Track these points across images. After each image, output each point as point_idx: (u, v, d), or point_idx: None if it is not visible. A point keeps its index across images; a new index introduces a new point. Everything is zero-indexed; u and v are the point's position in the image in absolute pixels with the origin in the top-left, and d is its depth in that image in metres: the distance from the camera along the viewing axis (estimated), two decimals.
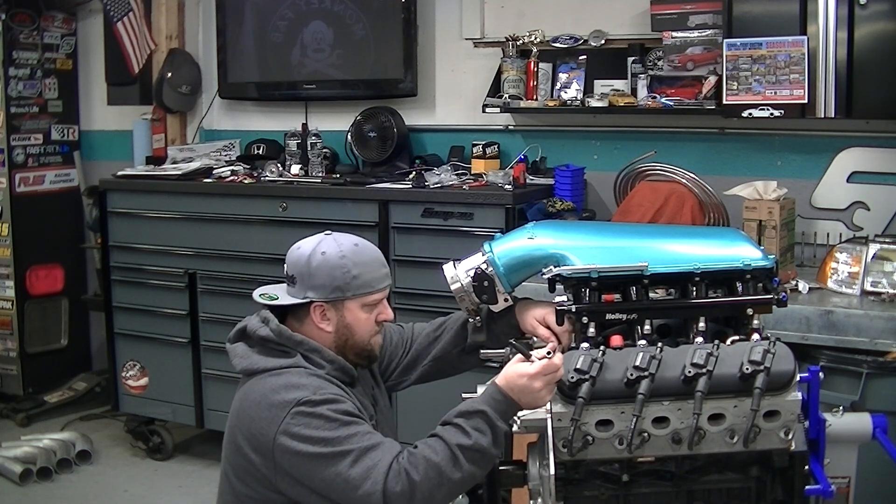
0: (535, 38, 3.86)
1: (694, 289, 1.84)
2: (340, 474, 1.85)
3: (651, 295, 1.86)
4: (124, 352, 4.36)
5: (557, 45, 3.86)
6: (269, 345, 2.04)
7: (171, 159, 4.47)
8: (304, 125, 4.31)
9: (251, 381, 2.02)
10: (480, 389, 1.96)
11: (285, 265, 2.09)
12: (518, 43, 3.89)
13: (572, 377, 1.69)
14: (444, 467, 1.82)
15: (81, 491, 4.06)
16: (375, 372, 2.26)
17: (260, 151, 4.40)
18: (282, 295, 2.09)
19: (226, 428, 2.07)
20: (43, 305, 5.00)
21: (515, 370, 1.81)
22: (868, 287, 2.92)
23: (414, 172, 3.86)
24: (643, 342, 1.79)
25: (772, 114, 3.21)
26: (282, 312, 2.11)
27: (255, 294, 2.12)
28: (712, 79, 3.43)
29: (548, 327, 2.04)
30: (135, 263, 4.25)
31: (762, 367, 1.65)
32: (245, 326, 2.09)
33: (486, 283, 2.01)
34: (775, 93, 3.19)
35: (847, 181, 3.46)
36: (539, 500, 1.84)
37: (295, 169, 4.09)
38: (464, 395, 1.99)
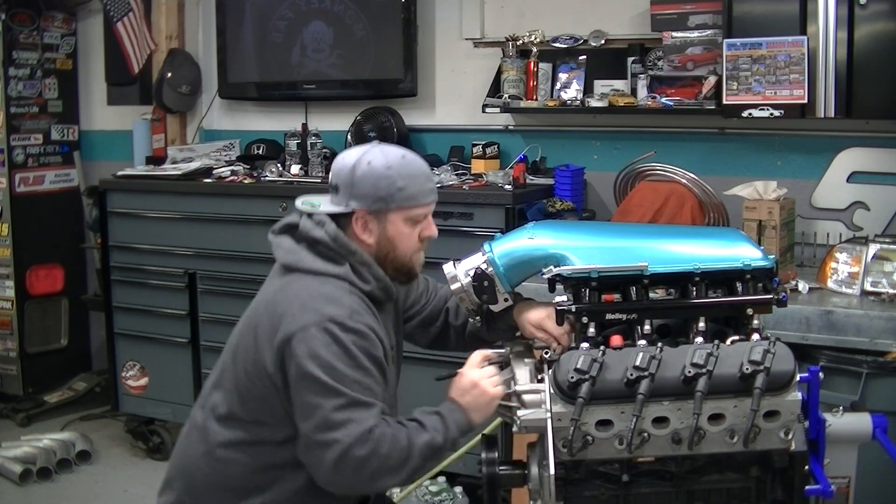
0: (535, 38, 3.86)
1: (694, 289, 1.84)
2: (322, 409, 1.85)
3: (651, 295, 1.86)
4: (124, 352, 4.36)
5: (557, 45, 3.86)
6: (321, 248, 1.99)
7: (171, 159, 4.47)
8: (304, 125, 4.31)
9: (291, 277, 1.99)
10: None
11: (330, 174, 2.05)
12: (518, 43, 3.89)
13: (572, 377, 1.69)
14: (405, 455, 1.87)
15: (81, 491, 4.05)
16: (399, 309, 2.24)
17: (260, 151, 4.40)
18: (324, 203, 2.05)
19: (247, 311, 2.05)
20: (43, 305, 4.99)
21: (458, 384, 1.96)
22: (868, 287, 2.92)
23: None
24: (643, 342, 1.79)
25: (772, 114, 3.21)
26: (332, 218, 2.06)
27: (298, 201, 2.07)
28: (712, 79, 3.43)
29: (545, 330, 2.04)
30: (135, 263, 4.25)
31: (762, 367, 1.65)
32: (295, 223, 2.04)
33: (486, 283, 2.01)
34: (775, 93, 3.19)
35: (847, 181, 3.46)
36: (539, 500, 1.84)
37: (295, 169, 4.09)
38: None
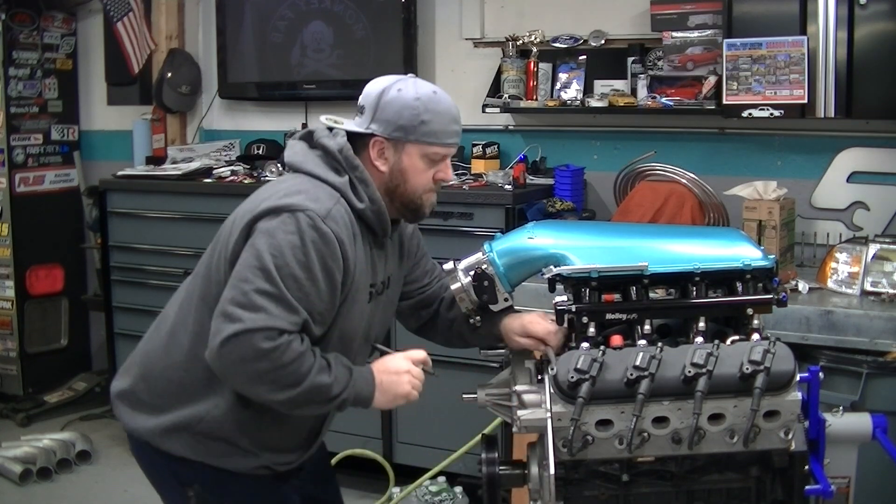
0: (535, 38, 3.86)
1: (694, 289, 1.84)
2: (248, 284, 1.80)
3: (651, 295, 1.86)
4: (124, 352, 4.34)
5: (557, 45, 3.86)
6: (327, 156, 1.97)
7: (171, 159, 4.47)
8: (304, 125, 4.31)
9: (292, 175, 1.99)
10: (480, 391, 1.96)
11: (360, 97, 2.01)
12: (518, 43, 3.89)
13: (572, 377, 1.69)
14: (297, 380, 1.82)
15: (81, 491, 4.06)
16: (405, 256, 2.21)
17: (260, 151, 4.39)
18: (347, 123, 2.02)
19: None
20: (43, 305, 4.99)
21: (387, 362, 1.97)
22: (868, 287, 2.92)
23: None
24: (643, 342, 1.79)
25: (772, 114, 3.21)
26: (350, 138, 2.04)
27: (322, 117, 2.06)
28: (712, 79, 3.43)
29: (531, 336, 2.03)
30: (135, 263, 4.25)
31: (762, 367, 1.65)
32: (313, 131, 2.03)
33: (486, 283, 2.01)
34: (775, 93, 3.19)
35: (847, 181, 3.46)
36: (539, 500, 1.84)
37: None
38: (464, 396, 1.99)
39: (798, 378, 1.71)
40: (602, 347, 1.74)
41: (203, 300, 1.96)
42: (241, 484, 2.02)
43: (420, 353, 2.00)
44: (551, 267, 1.90)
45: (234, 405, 1.94)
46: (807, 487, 1.75)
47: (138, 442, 2.04)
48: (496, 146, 3.98)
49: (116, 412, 2.09)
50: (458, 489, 3.56)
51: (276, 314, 1.79)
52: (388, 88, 1.96)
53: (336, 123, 2.02)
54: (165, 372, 2.00)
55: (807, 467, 1.75)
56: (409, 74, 2.04)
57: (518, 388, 1.86)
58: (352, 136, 1.99)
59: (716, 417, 1.69)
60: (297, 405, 1.87)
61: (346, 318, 1.95)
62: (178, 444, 1.97)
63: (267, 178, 4.03)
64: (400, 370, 1.96)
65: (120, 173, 4.36)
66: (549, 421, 1.71)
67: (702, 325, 1.81)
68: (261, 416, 1.95)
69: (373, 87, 1.99)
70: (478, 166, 3.92)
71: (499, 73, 3.95)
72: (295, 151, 2.02)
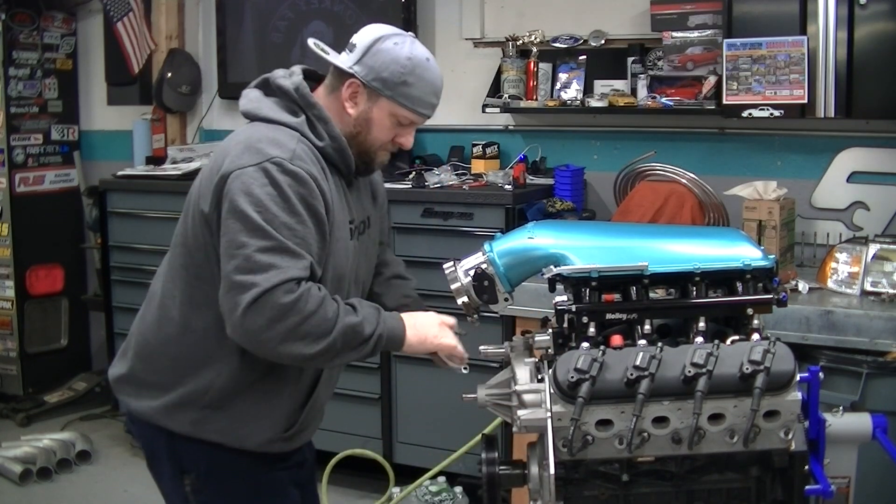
0: (535, 38, 3.86)
1: (694, 289, 1.84)
2: (247, 248, 1.77)
3: (651, 295, 1.86)
4: None
5: (557, 45, 3.86)
6: (283, 98, 1.97)
7: (170, 159, 4.47)
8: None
9: (247, 125, 1.97)
10: (480, 391, 1.96)
11: (355, 35, 2.02)
12: (518, 43, 3.89)
13: (572, 377, 1.69)
14: (328, 326, 1.80)
15: (81, 491, 4.06)
16: (377, 198, 2.22)
17: None
18: (333, 54, 2.01)
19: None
20: (43, 305, 5.00)
21: (420, 314, 2.02)
22: (868, 287, 2.92)
23: (414, 172, 3.86)
24: (643, 342, 1.79)
25: (772, 114, 3.21)
26: (318, 80, 2.05)
27: (311, 40, 2.05)
28: (712, 79, 3.43)
29: None
30: (135, 263, 4.25)
31: (762, 367, 1.65)
32: (268, 77, 2.02)
33: (486, 283, 2.00)
34: (775, 93, 3.19)
35: (847, 181, 3.46)
36: (539, 500, 1.83)
37: None
38: (464, 396, 1.99)
39: (798, 378, 1.71)
40: (602, 347, 1.74)
41: (185, 269, 1.94)
42: (239, 467, 2.00)
43: (451, 319, 2.04)
44: (551, 267, 1.89)
45: (237, 370, 1.92)
46: (807, 487, 1.75)
47: (142, 424, 2.02)
48: (496, 146, 3.99)
49: (119, 397, 2.08)
50: (458, 489, 3.56)
51: (285, 266, 1.77)
52: (386, 38, 1.97)
53: (323, 51, 2.02)
54: (161, 348, 1.98)
55: (807, 467, 1.74)
56: (410, 34, 2.03)
57: (518, 388, 1.86)
58: (333, 73, 2.01)
59: (716, 417, 1.69)
60: (335, 353, 1.83)
61: (334, 255, 1.94)
62: (183, 420, 1.96)
63: None
64: (436, 322, 2.02)
65: (120, 173, 4.36)
66: (549, 421, 1.71)
67: (702, 325, 1.81)
68: (264, 379, 1.94)
69: (371, 31, 1.99)
70: (478, 166, 3.92)
71: (499, 73, 3.95)
72: (249, 99, 2.01)
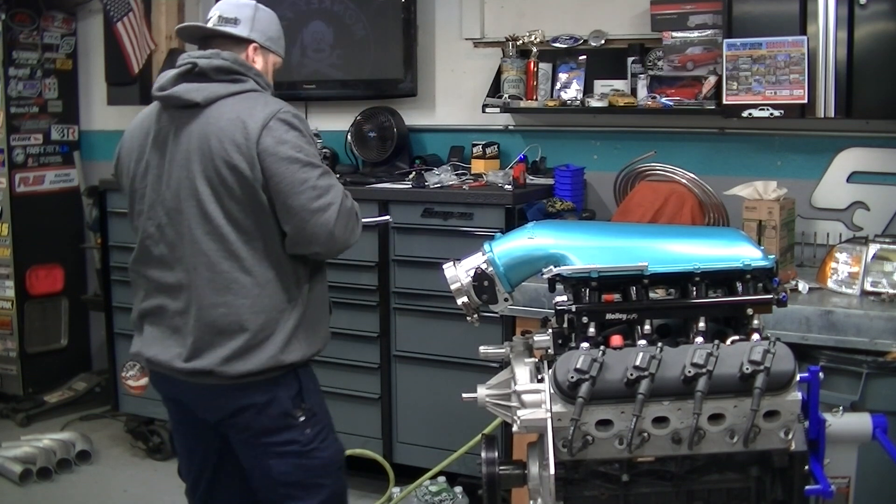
0: (535, 38, 3.86)
1: (694, 289, 1.84)
2: (309, 180, 2.21)
3: (651, 295, 1.86)
4: (124, 352, 4.36)
5: (557, 45, 3.86)
6: (223, 74, 2.29)
7: None
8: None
9: (212, 109, 2.25)
10: (480, 391, 1.96)
11: (218, 11, 2.40)
12: (518, 43, 3.89)
13: (572, 377, 1.69)
14: (357, 209, 2.37)
15: (81, 491, 4.06)
16: None
17: None
18: (230, 28, 2.38)
19: (193, 170, 2.25)
20: (43, 305, 4.99)
21: None
22: (868, 287, 2.92)
23: (414, 172, 3.86)
24: (643, 342, 1.79)
25: (772, 114, 3.21)
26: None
27: (211, 21, 2.40)
28: (712, 79, 3.43)
29: None
30: None
31: (762, 367, 1.65)
32: (189, 67, 2.29)
33: (486, 283, 2.01)
34: (775, 93, 3.19)
35: (847, 181, 3.46)
36: (539, 500, 1.84)
37: None
38: (464, 396, 1.99)
39: (798, 378, 1.71)
40: (602, 347, 1.74)
41: (245, 243, 2.25)
42: (314, 375, 2.45)
43: None
44: (551, 267, 1.89)
45: (313, 284, 2.38)
46: (807, 487, 1.75)
47: (258, 383, 2.29)
48: (496, 146, 3.99)
49: (230, 372, 2.27)
50: (458, 489, 3.56)
51: (334, 181, 2.29)
52: (257, 6, 2.42)
53: (234, 25, 2.38)
54: (262, 306, 2.27)
55: (807, 467, 1.75)
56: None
57: (518, 388, 1.86)
58: (234, 44, 2.37)
59: (716, 417, 1.69)
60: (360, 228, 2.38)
61: None
62: (298, 348, 2.32)
63: None
64: None
65: None
66: (549, 421, 1.71)
67: (702, 325, 1.81)
68: (320, 295, 2.42)
69: (242, 2, 2.41)
70: (478, 166, 3.92)
71: (499, 73, 3.95)
72: (196, 90, 2.27)
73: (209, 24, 2.41)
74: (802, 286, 2.99)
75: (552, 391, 1.73)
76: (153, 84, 2.39)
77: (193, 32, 2.49)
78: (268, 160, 2.19)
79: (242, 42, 2.37)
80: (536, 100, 3.86)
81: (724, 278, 1.85)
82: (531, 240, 1.98)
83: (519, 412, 1.81)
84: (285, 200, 2.21)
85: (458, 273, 2.04)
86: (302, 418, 2.37)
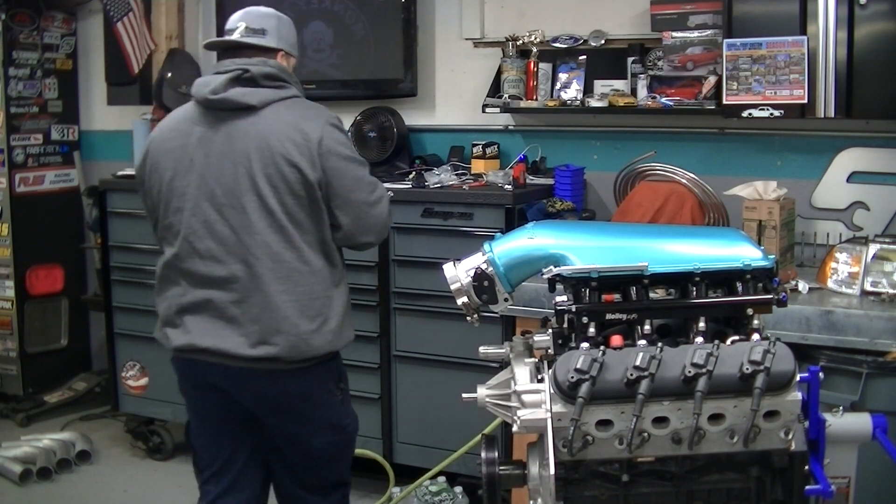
0: (535, 38, 3.86)
1: (694, 289, 1.84)
2: (366, 176, 2.50)
3: (651, 295, 1.86)
4: (124, 352, 4.36)
5: (557, 45, 3.86)
6: (270, 81, 2.45)
7: None
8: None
9: (266, 111, 2.41)
10: (480, 391, 1.96)
11: (243, 22, 2.50)
12: (518, 43, 3.89)
13: (572, 377, 1.69)
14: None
15: (81, 491, 4.06)
16: None
17: None
18: (258, 39, 2.50)
19: (253, 168, 2.38)
20: (43, 305, 4.99)
21: None
22: (868, 287, 2.92)
23: (414, 172, 3.86)
24: (643, 342, 1.79)
25: (772, 114, 3.21)
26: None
27: (240, 28, 2.49)
28: (712, 79, 3.43)
29: None
30: (135, 263, 4.25)
31: (762, 367, 1.65)
32: (239, 73, 2.41)
33: (486, 283, 2.01)
34: (775, 93, 3.19)
35: (847, 181, 3.46)
36: (539, 500, 1.84)
37: None
38: (464, 396, 1.99)
39: (798, 378, 1.71)
40: (602, 347, 1.74)
41: (299, 234, 2.41)
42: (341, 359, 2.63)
43: None
44: (551, 267, 1.89)
45: (345, 284, 2.56)
46: (807, 487, 1.75)
47: (317, 364, 2.47)
48: (496, 146, 3.98)
49: (297, 356, 2.42)
50: (458, 489, 3.56)
51: (376, 177, 2.58)
52: (278, 15, 2.56)
53: (263, 37, 2.50)
54: (317, 293, 2.44)
55: (807, 467, 1.75)
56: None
57: (518, 388, 1.86)
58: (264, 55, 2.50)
59: (716, 417, 1.69)
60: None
61: None
62: (347, 334, 2.53)
63: None
64: None
65: (120, 173, 4.36)
66: (549, 421, 1.71)
67: (702, 325, 1.81)
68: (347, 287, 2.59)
69: (262, 11, 2.55)
70: (478, 166, 3.92)
71: (499, 73, 3.95)
72: (249, 94, 2.41)
73: (235, 36, 2.50)
74: (802, 286, 2.99)
75: (552, 391, 1.73)
76: (192, 88, 2.50)
77: (224, 45, 2.55)
78: (331, 160, 2.40)
79: (270, 51, 2.51)
80: (536, 100, 3.86)
81: (724, 278, 1.85)
82: (531, 240, 1.98)
83: (519, 412, 1.81)
84: (347, 195, 2.43)
85: (458, 273, 2.04)
86: (340, 396, 2.60)
